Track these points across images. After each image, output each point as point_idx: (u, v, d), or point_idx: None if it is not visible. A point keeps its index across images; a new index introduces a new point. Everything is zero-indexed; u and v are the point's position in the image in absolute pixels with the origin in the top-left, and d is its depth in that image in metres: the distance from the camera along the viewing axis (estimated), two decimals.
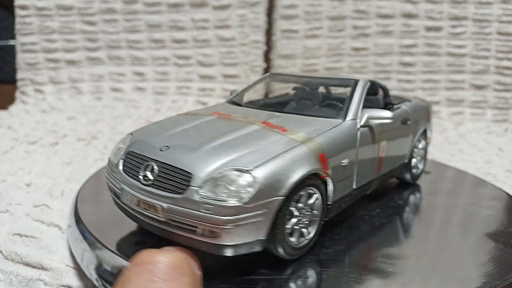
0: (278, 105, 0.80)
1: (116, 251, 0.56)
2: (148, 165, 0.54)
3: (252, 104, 0.79)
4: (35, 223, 0.69)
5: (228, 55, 1.61)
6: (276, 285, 0.51)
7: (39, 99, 1.57)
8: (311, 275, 0.54)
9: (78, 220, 0.64)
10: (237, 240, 0.50)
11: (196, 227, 0.50)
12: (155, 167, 0.54)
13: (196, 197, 0.50)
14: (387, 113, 0.69)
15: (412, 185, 0.87)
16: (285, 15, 1.58)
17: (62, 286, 0.57)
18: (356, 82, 0.76)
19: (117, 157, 0.60)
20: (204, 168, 0.51)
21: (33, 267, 0.59)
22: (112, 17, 1.60)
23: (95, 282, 0.55)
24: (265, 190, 0.50)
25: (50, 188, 0.82)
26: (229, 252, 0.51)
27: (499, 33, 1.52)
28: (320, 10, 1.57)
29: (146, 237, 0.60)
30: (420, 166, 0.89)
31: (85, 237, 0.60)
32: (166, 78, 1.61)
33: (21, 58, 1.61)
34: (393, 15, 1.56)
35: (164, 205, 0.51)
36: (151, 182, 0.53)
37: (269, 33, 1.63)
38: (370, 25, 1.58)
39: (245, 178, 0.50)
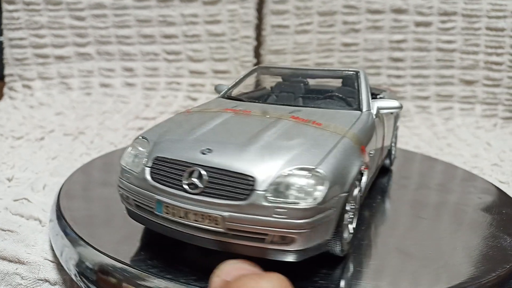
0: (286, 99, 0.76)
1: (97, 248, 0.55)
2: (193, 171, 0.49)
3: (256, 99, 0.75)
4: (14, 217, 0.68)
5: (218, 51, 1.60)
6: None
7: (28, 94, 1.56)
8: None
9: (60, 215, 0.63)
10: (308, 244, 0.48)
11: (265, 234, 0.46)
12: (204, 173, 0.48)
13: (265, 202, 0.46)
14: (395, 103, 0.72)
15: (388, 171, 0.92)
16: (275, 10, 1.58)
17: (39, 280, 0.57)
18: (357, 73, 0.78)
19: (138, 165, 0.53)
20: (265, 170, 0.47)
21: (10, 261, 0.59)
22: (102, 12, 1.59)
23: (74, 277, 0.55)
24: (334, 187, 0.48)
25: (33, 182, 0.82)
26: (298, 258, 0.48)
27: (488, 28, 1.52)
28: (310, 6, 1.57)
29: (130, 233, 0.59)
30: (394, 151, 0.94)
31: (66, 233, 0.59)
32: (155, 74, 1.60)
33: (9, 53, 1.60)
34: (383, 10, 1.56)
35: (225, 214, 0.46)
36: (201, 190, 0.47)
37: (259, 28, 1.62)
38: (360, 21, 1.57)
39: (315, 177, 0.47)
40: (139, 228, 0.59)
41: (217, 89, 0.83)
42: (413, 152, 1.09)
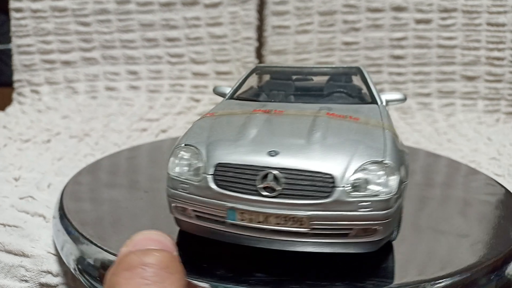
0: (300, 96, 0.76)
1: (98, 244, 0.56)
2: (267, 175, 0.48)
3: (272, 99, 0.75)
4: (20, 213, 0.71)
5: (220, 52, 1.63)
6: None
7: (35, 99, 1.60)
8: None
9: (62, 213, 0.66)
10: (386, 232, 0.50)
11: (350, 229, 0.48)
12: (280, 175, 0.48)
13: (349, 198, 0.47)
14: (400, 95, 0.76)
15: None
16: (276, 11, 1.60)
17: (42, 271, 0.60)
18: (359, 69, 0.81)
19: (196, 174, 0.52)
20: (340, 166, 0.49)
21: (15, 254, 0.61)
22: (106, 18, 1.63)
23: (73, 272, 0.57)
24: (401, 177, 0.51)
25: (38, 182, 0.85)
26: (376, 248, 0.50)
27: (489, 24, 1.52)
28: (310, 6, 1.59)
29: (126, 229, 0.61)
30: None
31: (67, 230, 0.61)
32: (159, 76, 1.64)
33: (17, 59, 1.64)
34: (382, 8, 1.57)
35: (309, 213, 0.47)
36: (278, 193, 0.48)
37: (260, 29, 1.65)
38: (360, 19, 1.59)
39: (387, 169, 0.49)
40: (139, 223, 0.61)
41: (216, 91, 0.84)
42: (412, 148, 1.10)
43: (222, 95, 0.82)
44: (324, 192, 0.47)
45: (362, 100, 0.74)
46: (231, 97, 0.77)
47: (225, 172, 0.50)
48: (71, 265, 0.57)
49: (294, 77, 0.84)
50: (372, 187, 0.48)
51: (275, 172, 0.48)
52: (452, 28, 1.55)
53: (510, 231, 0.62)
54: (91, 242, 0.56)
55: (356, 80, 0.84)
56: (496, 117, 1.50)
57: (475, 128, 1.39)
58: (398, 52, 1.59)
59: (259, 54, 1.66)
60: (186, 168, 0.53)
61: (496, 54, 1.52)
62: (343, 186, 0.48)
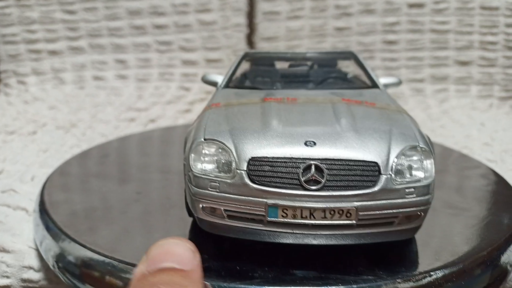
0: (302, 83, 0.74)
1: (79, 240, 0.54)
2: (309, 167, 0.46)
3: (272, 86, 0.72)
4: (1, 207, 0.69)
5: (210, 40, 1.60)
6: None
7: (22, 90, 1.57)
8: None
9: (42, 207, 0.63)
10: (425, 217, 0.50)
11: (395, 217, 0.47)
12: (323, 166, 0.46)
13: (395, 185, 0.46)
14: (395, 79, 0.77)
15: None
16: None
17: (24, 267, 0.58)
18: (352, 53, 0.80)
19: (227, 171, 0.48)
20: (381, 154, 0.47)
21: None
22: (92, 5, 1.59)
23: (52, 268, 0.55)
24: (434, 159, 0.50)
25: (22, 174, 0.83)
26: (415, 234, 0.51)
27: (482, 7, 1.49)
28: None
29: (112, 224, 0.59)
30: None
31: (47, 226, 0.59)
32: (148, 65, 1.60)
33: (3, 50, 1.60)
34: None
35: (357, 204, 0.45)
36: (323, 185, 0.45)
37: (251, 15, 1.61)
38: (352, 4, 1.56)
39: (425, 153, 0.49)
40: (120, 220, 0.59)
41: (205, 79, 0.81)
42: None
43: (213, 83, 0.78)
44: (370, 181, 0.46)
45: (362, 84, 0.73)
46: (227, 85, 0.74)
47: (261, 166, 0.47)
48: (50, 261, 0.55)
49: (288, 63, 0.83)
50: (415, 172, 0.48)
51: (317, 163, 0.46)
52: (445, 13, 1.53)
53: (504, 219, 0.61)
54: (72, 239, 0.54)
55: (350, 65, 0.82)
56: (489, 102, 1.48)
57: (468, 113, 1.37)
58: (391, 37, 1.56)
59: (249, 41, 1.63)
60: (212, 165, 0.49)
61: (489, 38, 1.50)
62: (389, 174, 0.46)
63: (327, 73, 0.76)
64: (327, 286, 0.45)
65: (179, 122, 1.31)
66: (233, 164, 0.48)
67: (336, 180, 0.46)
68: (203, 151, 0.50)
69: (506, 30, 1.48)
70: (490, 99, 1.50)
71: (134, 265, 0.48)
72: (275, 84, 0.73)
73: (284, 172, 0.46)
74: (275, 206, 0.46)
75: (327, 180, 0.46)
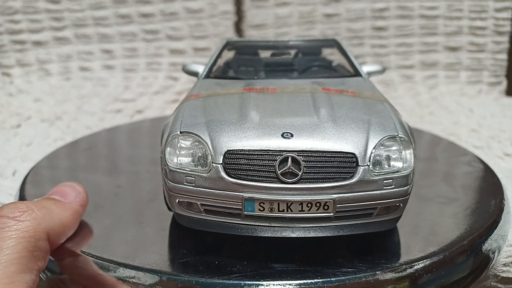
0: (283, 72, 0.73)
1: None
2: (285, 159, 0.45)
3: (254, 76, 0.71)
4: None
5: (197, 28, 1.57)
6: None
7: (7, 82, 1.54)
8: None
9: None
10: (404, 208, 0.49)
11: (374, 208, 0.46)
12: (300, 158, 0.45)
13: (373, 176, 0.45)
14: (379, 67, 0.76)
15: None
16: None
17: None
18: (335, 41, 0.79)
19: (203, 164, 0.47)
20: (358, 144, 0.46)
21: None
22: None
23: None
24: (413, 149, 0.50)
25: (3, 169, 0.81)
26: (395, 224, 0.50)
27: None
28: None
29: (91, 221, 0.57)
30: None
31: None
32: (135, 54, 1.58)
33: None
34: None
35: (334, 196, 0.45)
36: (300, 177, 0.44)
37: (238, 2, 1.59)
38: None
39: (404, 143, 0.48)
40: (97, 215, 0.58)
41: (187, 69, 0.79)
42: None
43: (194, 74, 0.77)
44: (348, 172, 0.45)
45: (345, 73, 0.72)
46: (207, 76, 0.72)
47: (237, 159, 0.46)
48: None
49: (271, 51, 0.81)
50: (393, 163, 0.47)
51: (294, 155, 0.45)
52: None
53: (486, 207, 0.61)
54: None
55: (333, 53, 0.81)
56: (478, 88, 1.48)
57: (457, 100, 1.37)
58: (380, 23, 1.55)
59: (238, 29, 1.61)
60: (188, 159, 0.47)
61: (478, 23, 1.49)
62: (367, 165, 0.46)
63: (310, 61, 0.75)
64: (305, 279, 0.45)
65: (167, 113, 1.29)
66: (209, 158, 0.47)
67: (313, 172, 0.45)
68: (179, 144, 0.49)
69: (495, 15, 1.47)
70: (479, 85, 1.50)
71: (109, 261, 0.48)
72: (258, 73, 0.72)
73: (261, 165, 0.45)
74: (252, 199, 0.45)
75: (304, 172, 0.45)
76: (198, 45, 1.58)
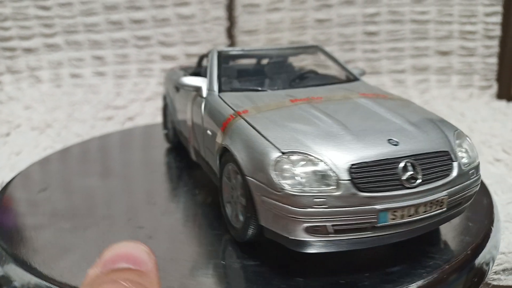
0: (287, 81, 0.71)
1: (22, 266, 0.49)
2: (405, 166, 0.46)
3: (274, 85, 0.68)
4: None
5: (189, 34, 1.57)
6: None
7: None
8: None
9: None
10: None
11: (470, 198, 0.52)
12: (415, 162, 0.46)
13: (464, 169, 0.50)
14: (358, 70, 0.77)
15: None
16: None
17: None
18: (317, 46, 0.79)
19: (329, 184, 0.44)
20: (445, 141, 0.50)
21: None
22: (67, 1, 1.55)
23: None
24: None
25: None
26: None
27: None
28: None
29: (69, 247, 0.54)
30: None
31: None
32: (126, 61, 1.57)
33: None
34: None
35: (445, 192, 0.47)
36: (421, 180, 0.46)
37: (230, 8, 1.59)
38: None
39: (463, 135, 0.54)
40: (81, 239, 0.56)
41: (183, 83, 0.68)
42: None
43: (195, 88, 0.68)
44: (448, 169, 0.48)
45: (343, 78, 0.73)
46: (220, 90, 0.65)
47: (363, 173, 0.45)
48: None
49: (266, 61, 0.80)
50: (466, 154, 0.51)
51: (411, 160, 0.46)
52: (425, 3, 1.52)
53: (476, 221, 0.58)
54: (16, 262, 0.49)
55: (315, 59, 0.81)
56: (469, 92, 1.49)
57: (448, 104, 1.38)
58: (371, 28, 1.55)
59: (230, 35, 1.60)
60: (308, 180, 0.44)
61: (468, 28, 1.50)
62: (458, 159, 0.50)
63: (298, 69, 0.75)
64: None
65: (158, 120, 1.28)
66: (332, 175, 0.44)
67: (427, 174, 0.47)
68: (288, 166, 0.45)
69: (485, 19, 1.48)
70: (470, 89, 1.51)
71: None
72: (271, 83, 0.70)
73: (385, 175, 0.45)
74: (385, 210, 0.44)
75: (422, 175, 0.46)
76: (190, 51, 1.58)
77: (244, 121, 0.53)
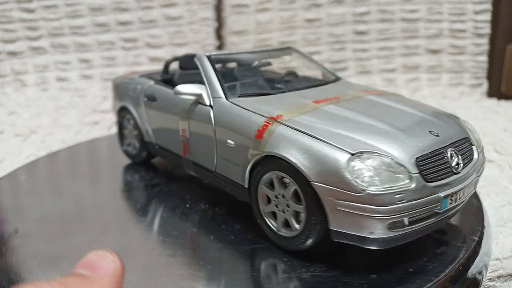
0: (288, 83, 0.71)
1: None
2: (451, 154, 0.51)
3: (285, 88, 0.66)
4: None
5: (177, 35, 1.55)
6: None
7: None
8: None
9: None
10: None
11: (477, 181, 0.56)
12: (457, 151, 0.52)
13: (480, 152, 0.55)
14: (332, 69, 0.79)
15: None
16: None
17: None
18: (291, 48, 0.78)
19: (403, 179, 0.46)
20: (461, 128, 0.55)
21: None
22: (52, 3, 1.51)
23: None
24: None
25: None
26: None
27: None
28: None
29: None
30: None
31: None
32: (113, 63, 1.54)
33: None
34: None
35: (475, 174, 0.53)
36: (463, 166, 0.51)
37: (218, 9, 1.57)
38: None
39: (465, 123, 0.59)
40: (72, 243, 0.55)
41: (181, 92, 0.63)
42: None
43: (195, 95, 0.63)
44: (472, 154, 0.54)
45: (329, 78, 0.74)
46: (227, 96, 0.61)
47: (425, 165, 0.48)
48: None
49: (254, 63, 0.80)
50: (476, 137, 0.57)
51: (452, 149, 0.51)
52: (415, 1, 1.51)
53: (468, 229, 0.57)
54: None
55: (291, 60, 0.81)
56: (460, 90, 1.48)
57: (439, 102, 1.37)
58: (361, 27, 1.54)
59: (218, 35, 1.58)
60: (383, 177, 0.46)
61: (458, 26, 1.50)
62: (475, 144, 0.55)
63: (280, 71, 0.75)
64: None
65: None
66: (401, 170, 0.47)
67: (464, 159, 0.52)
68: (361, 166, 0.46)
69: (474, 17, 1.47)
70: (461, 87, 1.50)
71: None
72: (263, 86, 0.69)
73: (440, 164, 0.49)
74: (446, 196, 0.48)
75: (462, 160, 0.51)
76: (178, 52, 1.55)
77: (287, 127, 0.52)
